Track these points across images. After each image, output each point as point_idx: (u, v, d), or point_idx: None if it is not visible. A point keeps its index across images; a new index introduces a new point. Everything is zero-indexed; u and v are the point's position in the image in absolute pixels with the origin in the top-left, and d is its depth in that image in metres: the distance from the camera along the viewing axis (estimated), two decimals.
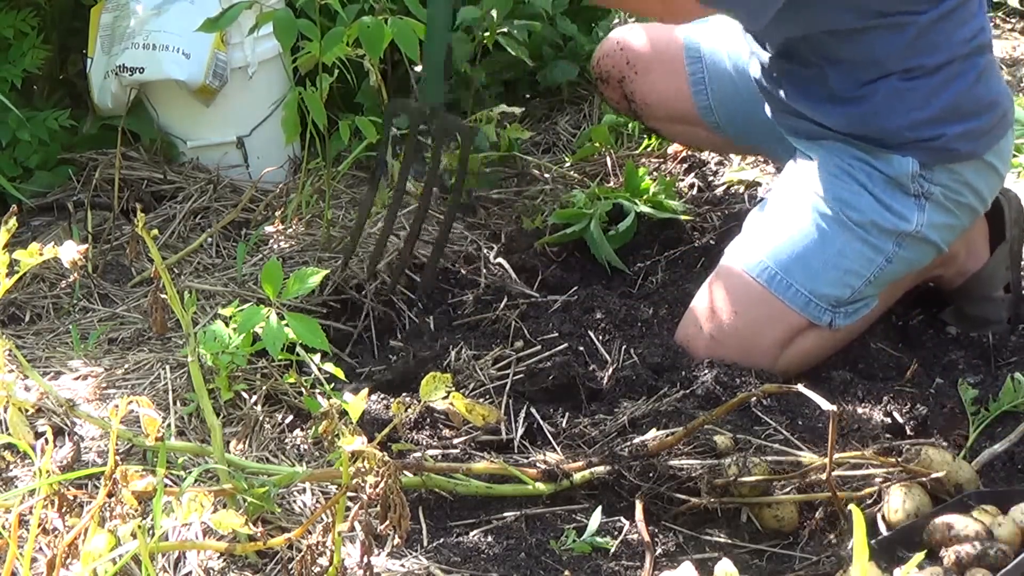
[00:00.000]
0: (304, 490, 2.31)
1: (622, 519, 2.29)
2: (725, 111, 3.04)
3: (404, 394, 2.51)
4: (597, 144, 3.58)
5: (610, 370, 2.61)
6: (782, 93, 2.74)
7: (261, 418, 2.49)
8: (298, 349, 2.33)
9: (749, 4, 2.59)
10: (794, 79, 2.71)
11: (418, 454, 2.36)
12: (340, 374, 2.23)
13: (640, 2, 2.92)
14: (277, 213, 3.24)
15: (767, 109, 2.85)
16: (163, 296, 2.13)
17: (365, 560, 1.93)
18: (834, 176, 2.64)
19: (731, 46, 3.01)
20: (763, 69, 2.79)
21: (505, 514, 2.30)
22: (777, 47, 2.74)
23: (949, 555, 2.06)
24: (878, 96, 2.61)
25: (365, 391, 2.04)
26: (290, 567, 1.99)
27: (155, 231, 2.33)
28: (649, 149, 3.63)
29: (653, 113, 3.17)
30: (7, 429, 1.99)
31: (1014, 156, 3.48)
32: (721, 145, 3.27)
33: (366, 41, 2.90)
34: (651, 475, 2.29)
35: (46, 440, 1.89)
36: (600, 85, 3.23)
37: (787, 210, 2.67)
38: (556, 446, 2.45)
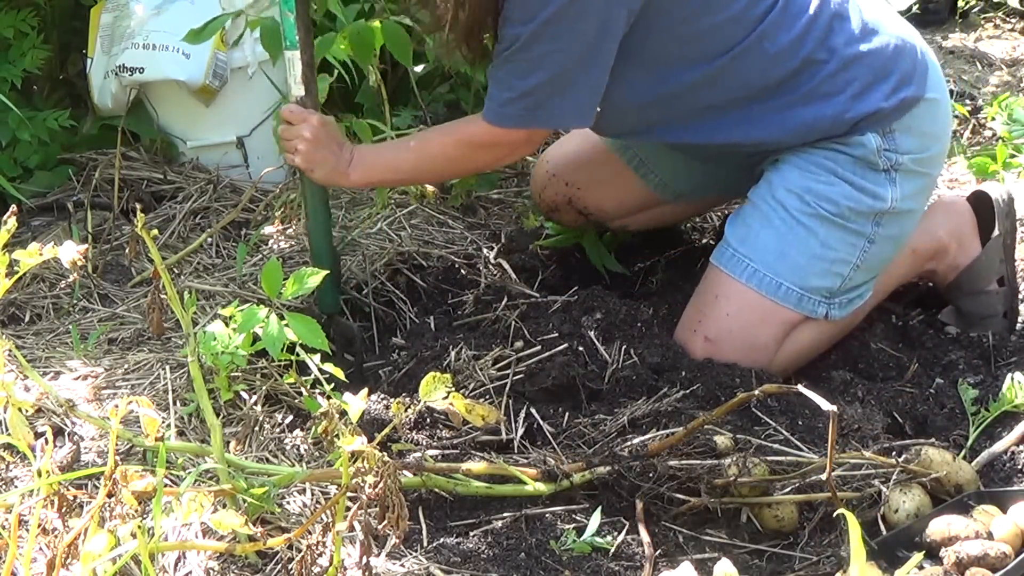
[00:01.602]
0: (304, 490, 2.31)
1: (622, 519, 2.29)
2: (678, 178, 2.96)
3: (404, 394, 2.51)
4: None
5: (610, 370, 2.61)
6: (713, 144, 2.71)
7: (261, 418, 2.49)
8: (298, 349, 2.33)
9: (573, 113, 2.56)
10: (714, 137, 2.69)
11: (418, 454, 2.36)
12: (340, 374, 2.23)
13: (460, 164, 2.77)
14: (277, 213, 3.24)
15: (717, 164, 2.84)
16: (161, 296, 2.13)
17: (364, 560, 1.93)
18: (804, 170, 2.63)
19: None
20: (682, 146, 2.78)
21: (505, 514, 2.30)
22: (674, 137, 2.74)
23: (949, 555, 2.06)
24: (798, 109, 2.60)
25: (365, 391, 2.04)
26: (290, 567, 1.99)
27: (155, 231, 2.33)
28: None
29: (613, 215, 3.06)
30: (7, 429, 1.99)
31: (1013, 156, 3.49)
32: (691, 211, 3.17)
33: (356, 46, 2.89)
34: (651, 475, 2.29)
35: (46, 440, 1.89)
36: (552, 215, 3.10)
37: (763, 210, 2.67)
38: (556, 446, 2.45)
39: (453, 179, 3.20)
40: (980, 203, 2.91)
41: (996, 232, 2.89)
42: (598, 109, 2.61)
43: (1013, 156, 3.50)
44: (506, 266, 3.07)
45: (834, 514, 2.20)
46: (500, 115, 2.58)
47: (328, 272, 2.38)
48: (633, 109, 2.66)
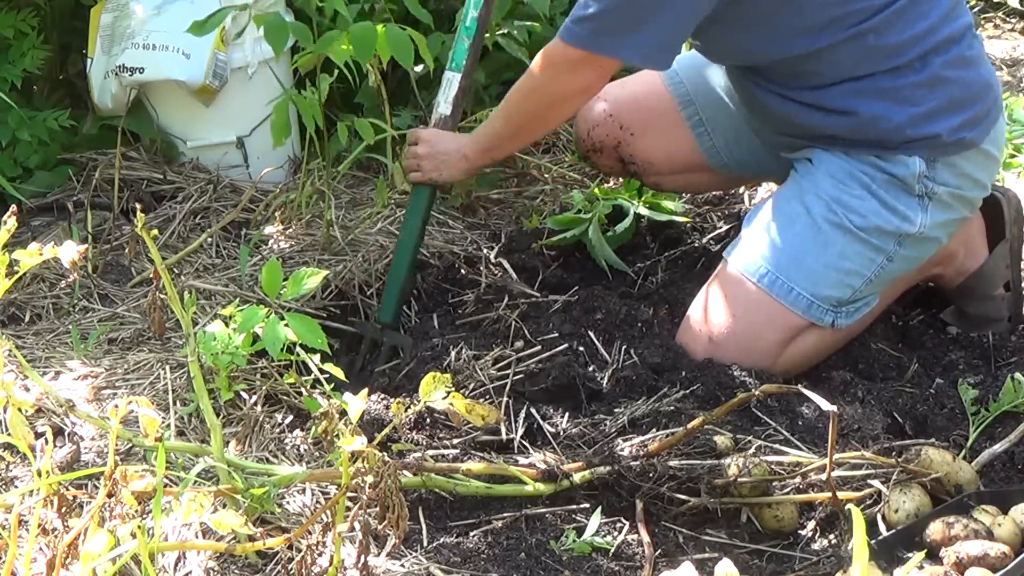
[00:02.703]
0: (304, 490, 2.31)
1: (622, 519, 2.29)
2: (729, 146, 2.97)
3: (404, 394, 2.51)
4: None
5: (610, 370, 2.61)
6: (770, 105, 2.70)
7: (261, 418, 2.49)
8: (297, 349, 2.33)
9: (642, 49, 2.55)
10: (775, 97, 2.68)
11: (418, 454, 2.36)
12: (340, 374, 2.23)
13: (533, 106, 2.76)
14: (277, 213, 3.24)
15: (760, 127, 2.82)
16: (162, 296, 2.13)
17: (362, 560, 1.93)
18: (837, 180, 2.63)
19: (714, 69, 2.94)
20: (745, 85, 2.76)
21: (505, 514, 2.30)
22: (742, 72, 2.73)
23: (949, 555, 2.06)
24: (869, 101, 2.58)
25: (365, 391, 2.04)
26: (290, 567, 1.99)
27: (155, 231, 2.33)
28: None
29: (657, 170, 3.05)
30: (7, 429, 1.99)
31: (1013, 156, 3.49)
32: (725, 183, 3.18)
33: (357, 47, 2.90)
34: (651, 475, 2.29)
35: (46, 440, 1.89)
36: (592, 156, 3.07)
37: (788, 213, 2.66)
38: (556, 446, 2.45)
39: (542, 122, 2.92)
40: (989, 208, 2.90)
41: (1005, 238, 2.89)
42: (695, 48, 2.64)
43: (1013, 156, 3.50)
44: (507, 266, 3.07)
45: (842, 510, 2.20)
46: (569, 31, 2.58)
47: (401, 283, 2.77)
48: (727, 58, 2.70)
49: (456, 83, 2.88)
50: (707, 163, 3.00)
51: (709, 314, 2.66)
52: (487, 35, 3.45)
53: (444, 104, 2.91)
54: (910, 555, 2.06)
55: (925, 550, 2.08)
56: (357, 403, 1.95)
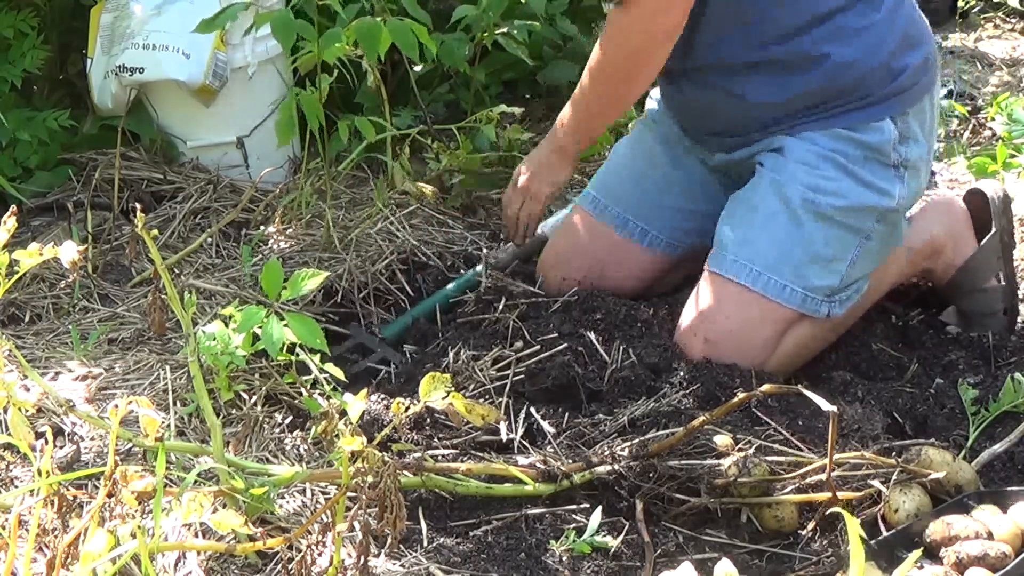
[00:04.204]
0: (304, 490, 2.31)
1: (622, 519, 2.29)
2: (683, 229, 2.91)
3: (404, 394, 2.51)
4: (597, 144, 3.57)
5: (609, 370, 2.61)
6: (745, 94, 2.67)
7: (261, 418, 2.49)
8: (297, 349, 2.33)
9: None
10: (744, 72, 2.66)
11: (418, 454, 2.36)
12: (340, 374, 2.23)
13: (611, 65, 2.71)
14: (277, 213, 3.24)
15: (721, 134, 2.79)
16: (162, 296, 2.13)
17: (361, 561, 1.93)
18: (810, 166, 2.62)
19: (628, 162, 2.95)
20: (708, 94, 2.73)
21: (505, 514, 2.30)
22: (708, 65, 2.71)
23: (949, 555, 2.06)
24: (839, 45, 2.59)
25: (364, 391, 2.04)
26: (290, 567, 1.99)
27: (155, 231, 2.33)
28: None
29: (640, 296, 2.95)
30: (7, 429, 1.99)
31: (1013, 156, 3.49)
32: (702, 255, 3.00)
33: (364, 42, 2.90)
34: (651, 475, 2.29)
35: (46, 440, 1.89)
36: None
37: (767, 209, 2.64)
38: (556, 446, 2.45)
39: (632, 81, 2.77)
40: (976, 201, 2.91)
41: (992, 230, 2.90)
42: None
43: (1013, 156, 3.50)
44: None
45: (832, 512, 2.20)
46: None
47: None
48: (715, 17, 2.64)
49: None
50: (673, 259, 2.96)
51: (703, 319, 2.65)
52: (486, 35, 3.45)
53: None
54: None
55: (925, 550, 2.09)
56: (357, 404, 1.95)
